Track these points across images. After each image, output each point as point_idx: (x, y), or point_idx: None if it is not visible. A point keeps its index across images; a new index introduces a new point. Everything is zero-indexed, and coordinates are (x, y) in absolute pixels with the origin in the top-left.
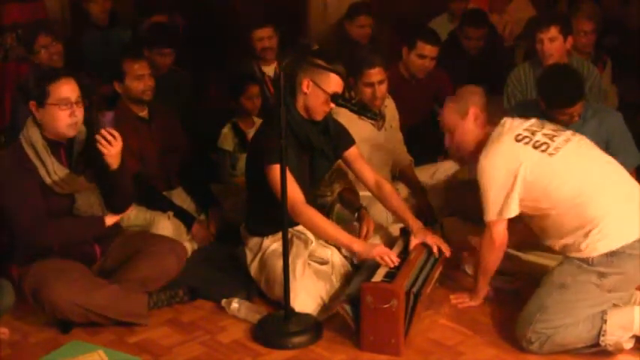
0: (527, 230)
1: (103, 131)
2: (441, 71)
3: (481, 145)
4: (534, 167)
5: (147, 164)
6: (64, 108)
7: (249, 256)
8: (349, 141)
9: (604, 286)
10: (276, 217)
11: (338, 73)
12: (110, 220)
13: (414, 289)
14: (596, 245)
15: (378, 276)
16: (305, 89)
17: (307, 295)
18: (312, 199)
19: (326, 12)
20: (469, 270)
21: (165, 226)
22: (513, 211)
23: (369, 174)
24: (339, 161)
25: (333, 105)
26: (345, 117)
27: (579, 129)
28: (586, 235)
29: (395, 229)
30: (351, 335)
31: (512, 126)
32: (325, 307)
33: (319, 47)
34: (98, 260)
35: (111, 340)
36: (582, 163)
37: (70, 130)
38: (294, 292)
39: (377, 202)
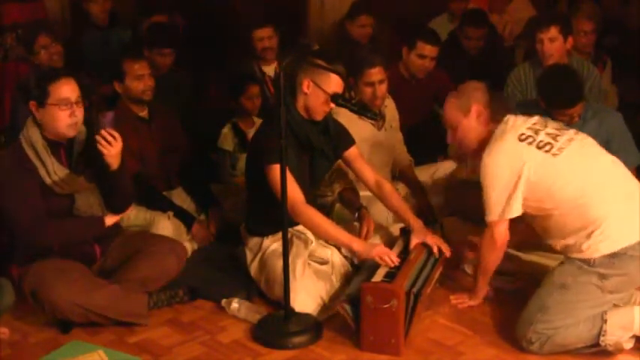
0: (529, 230)
1: (103, 131)
2: (441, 71)
3: (484, 142)
4: (538, 168)
5: (147, 164)
6: (64, 108)
7: (249, 256)
8: (349, 141)
9: (605, 287)
10: (276, 217)
11: (338, 73)
12: (110, 220)
13: (415, 290)
14: (598, 246)
15: (378, 276)
16: (305, 89)
17: (307, 295)
18: (312, 199)
19: (324, 12)
20: (469, 270)
21: (165, 226)
22: (516, 211)
23: (369, 174)
24: (339, 161)
25: (333, 105)
26: (345, 117)
27: (579, 129)
28: (588, 236)
29: (395, 229)
30: (351, 335)
31: (516, 124)
32: (325, 307)
33: (319, 47)
34: (98, 260)
35: (111, 340)
36: (586, 163)
37: (70, 130)
38: (294, 292)
39: (377, 202)
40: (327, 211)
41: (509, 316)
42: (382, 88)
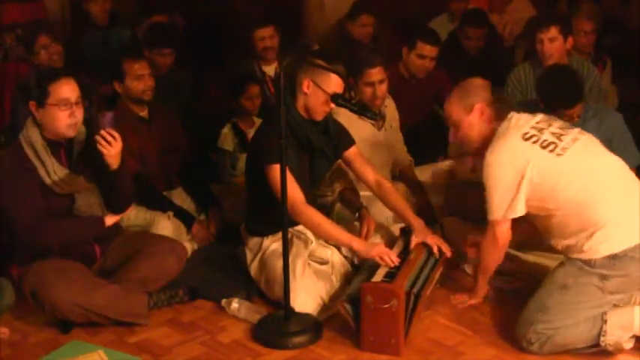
0: (530, 230)
1: (102, 132)
2: (441, 71)
3: (486, 140)
4: (542, 168)
5: (147, 164)
6: (64, 108)
7: (249, 256)
8: (349, 141)
9: (606, 288)
10: (276, 217)
11: (338, 73)
12: (110, 220)
13: (415, 290)
14: (599, 247)
15: (378, 276)
16: (305, 89)
17: (307, 295)
18: (313, 199)
19: (323, 12)
20: (469, 270)
21: (165, 226)
22: (519, 211)
23: (369, 173)
24: (339, 161)
25: (333, 105)
26: (345, 117)
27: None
28: (589, 236)
29: (396, 229)
30: (351, 335)
31: (520, 122)
32: (325, 307)
33: (319, 47)
34: (98, 260)
35: (111, 340)
36: (589, 164)
37: (70, 130)
38: (294, 292)
39: (377, 202)
40: (327, 210)
41: (509, 316)
42: (382, 88)
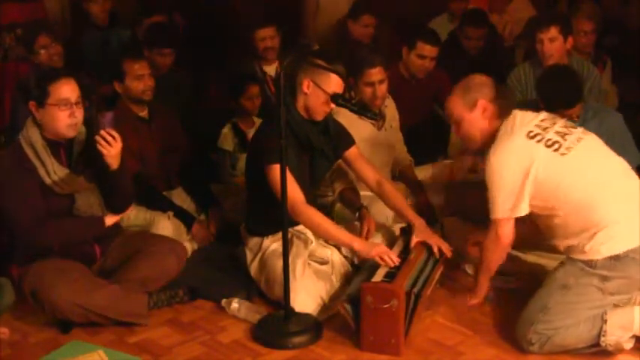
0: (531, 230)
1: (102, 132)
2: (441, 71)
3: (489, 138)
4: (546, 167)
5: (147, 164)
6: (64, 109)
7: (249, 256)
8: (349, 141)
9: (606, 289)
10: (276, 217)
11: (338, 74)
12: (110, 220)
13: (415, 290)
14: (600, 248)
15: (378, 276)
16: (305, 89)
17: (307, 295)
18: (313, 199)
19: (319, 12)
20: (469, 270)
21: (165, 226)
22: (523, 210)
23: (370, 173)
24: (340, 161)
25: (333, 105)
26: (345, 117)
27: None
28: (591, 237)
29: (396, 229)
30: (351, 335)
31: (524, 120)
32: (325, 307)
33: (319, 47)
34: (98, 260)
35: (111, 340)
36: (593, 164)
37: (70, 130)
38: (294, 292)
39: (378, 202)
40: (327, 210)
41: (509, 316)
42: (382, 88)
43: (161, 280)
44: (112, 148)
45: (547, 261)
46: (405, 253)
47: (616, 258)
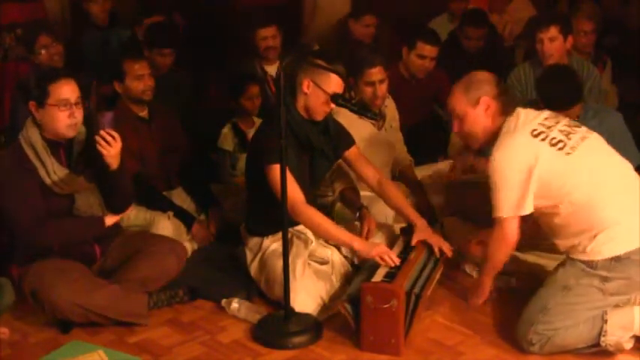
0: (533, 229)
1: (102, 132)
2: (440, 71)
3: (491, 135)
4: (550, 166)
5: (147, 164)
6: (64, 109)
7: (249, 256)
8: (349, 141)
9: (607, 290)
10: (276, 217)
11: (338, 74)
12: (110, 220)
13: (416, 290)
14: (601, 249)
15: (378, 276)
16: (305, 89)
17: (307, 295)
18: (313, 199)
19: (317, 12)
20: (469, 270)
21: (165, 226)
22: (527, 208)
23: (370, 173)
24: (340, 161)
25: (333, 105)
26: (345, 117)
27: None
28: (592, 238)
29: (396, 229)
30: (351, 335)
31: (528, 118)
32: (325, 307)
33: (319, 47)
34: (98, 260)
35: (111, 340)
36: (597, 164)
37: (70, 130)
38: (294, 292)
39: (378, 202)
40: (327, 210)
41: (509, 316)
42: (382, 88)
43: (161, 280)
44: (111, 148)
45: (547, 261)
46: (405, 253)
47: (617, 259)
